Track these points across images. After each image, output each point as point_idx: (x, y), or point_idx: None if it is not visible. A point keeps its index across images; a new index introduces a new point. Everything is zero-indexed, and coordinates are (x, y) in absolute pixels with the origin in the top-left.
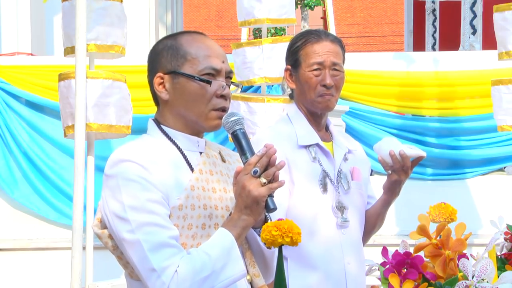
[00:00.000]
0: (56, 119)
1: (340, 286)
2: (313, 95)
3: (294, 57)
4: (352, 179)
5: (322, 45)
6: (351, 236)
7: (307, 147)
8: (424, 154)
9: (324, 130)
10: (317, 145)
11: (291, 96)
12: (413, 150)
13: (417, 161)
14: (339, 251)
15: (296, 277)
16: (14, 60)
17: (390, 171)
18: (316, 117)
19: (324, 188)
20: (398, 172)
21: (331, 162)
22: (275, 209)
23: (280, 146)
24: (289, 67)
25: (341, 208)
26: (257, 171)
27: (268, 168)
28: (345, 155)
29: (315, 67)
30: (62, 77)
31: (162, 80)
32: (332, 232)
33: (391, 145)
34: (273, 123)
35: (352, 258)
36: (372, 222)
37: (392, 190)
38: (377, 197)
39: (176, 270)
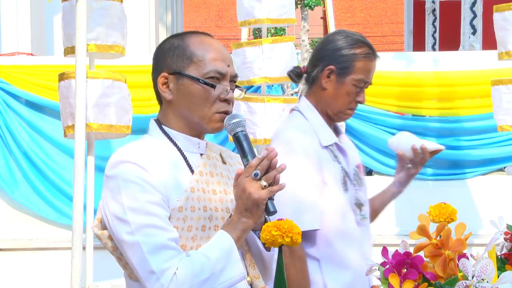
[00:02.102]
0: (56, 119)
1: (366, 284)
2: (345, 107)
3: (345, 63)
4: (360, 175)
5: (374, 64)
6: (368, 232)
7: (327, 146)
8: (442, 147)
9: (333, 128)
10: (335, 144)
11: (293, 79)
12: (431, 144)
13: (434, 153)
14: (362, 249)
15: (332, 278)
16: (14, 60)
17: (409, 165)
18: (331, 118)
19: (345, 187)
20: (416, 165)
21: (346, 160)
22: (275, 212)
23: (311, 145)
24: (333, 68)
25: (359, 205)
26: (258, 173)
27: (269, 171)
28: (354, 152)
29: (362, 84)
30: (62, 77)
31: (166, 80)
32: (354, 231)
33: (411, 140)
34: (291, 122)
35: (369, 256)
36: (375, 215)
37: (406, 182)
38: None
39: (175, 273)
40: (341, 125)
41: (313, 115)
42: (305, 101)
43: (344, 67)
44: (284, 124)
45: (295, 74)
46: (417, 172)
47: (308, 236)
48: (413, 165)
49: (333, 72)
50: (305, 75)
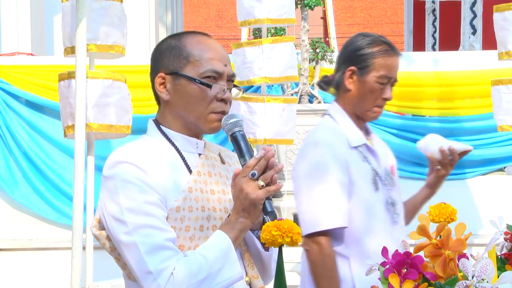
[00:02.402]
0: (56, 119)
1: None
2: (371, 105)
3: (365, 62)
4: (392, 175)
5: (395, 60)
6: (401, 231)
7: (356, 147)
8: (471, 148)
9: (364, 130)
10: (365, 145)
11: (322, 88)
12: (460, 145)
13: (463, 154)
14: (395, 247)
15: (360, 276)
16: (14, 60)
17: (438, 167)
18: (360, 119)
19: (376, 186)
20: (446, 166)
21: (377, 160)
22: (272, 211)
23: (339, 146)
24: (354, 68)
25: (392, 204)
26: (255, 173)
27: (266, 171)
28: (385, 152)
29: (385, 80)
30: (62, 77)
31: (163, 80)
32: (388, 229)
33: (439, 142)
34: (321, 125)
35: None
36: (411, 216)
37: (437, 184)
38: (404, 193)
39: (172, 273)
40: None
41: (342, 117)
42: (335, 105)
43: (364, 66)
44: (315, 128)
45: (325, 82)
46: (447, 174)
47: (337, 234)
48: (442, 167)
49: (354, 73)
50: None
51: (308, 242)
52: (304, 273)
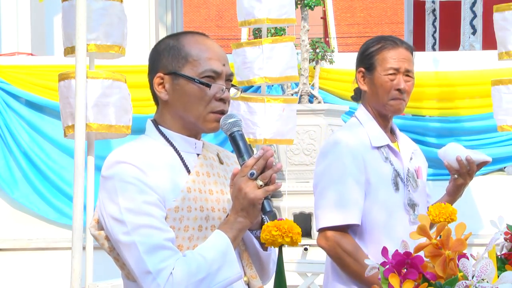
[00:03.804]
0: (56, 119)
1: None
2: (386, 99)
3: (369, 61)
4: (417, 178)
5: (398, 51)
6: None
7: (378, 148)
8: (489, 159)
9: (390, 132)
10: (387, 145)
11: (355, 99)
12: (478, 155)
13: (481, 165)
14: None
15: None
16: (14, 60)
17: (456, 175)
18: (385, 119)
19: (396, 186)
20: (464, 176)
21: (400, 161)
22: (271, 211)
23: (358, 146)
24: (362, 69)
25: (412, 205)
26: (254, 173)
27: (265, 170)
28: (410, 154)
29: (391, 71)
30: (62, 77)
31: (162, 81)
32: (406, 229)
33: (457, 151)
34: (345, 126)
35: None
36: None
37: (457, 192)
38: (433, 197)
39: (171, 273)
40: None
41: (367, 119)
42: (360, 108)
43: (369, 64)
44: (338, 128)
45: (355, 92)
46: (466, 183)
47: (356, 231)
48: (460, 176)
49: (364, 73)
50: None
51: (319, 237)
52: (327, 268)
